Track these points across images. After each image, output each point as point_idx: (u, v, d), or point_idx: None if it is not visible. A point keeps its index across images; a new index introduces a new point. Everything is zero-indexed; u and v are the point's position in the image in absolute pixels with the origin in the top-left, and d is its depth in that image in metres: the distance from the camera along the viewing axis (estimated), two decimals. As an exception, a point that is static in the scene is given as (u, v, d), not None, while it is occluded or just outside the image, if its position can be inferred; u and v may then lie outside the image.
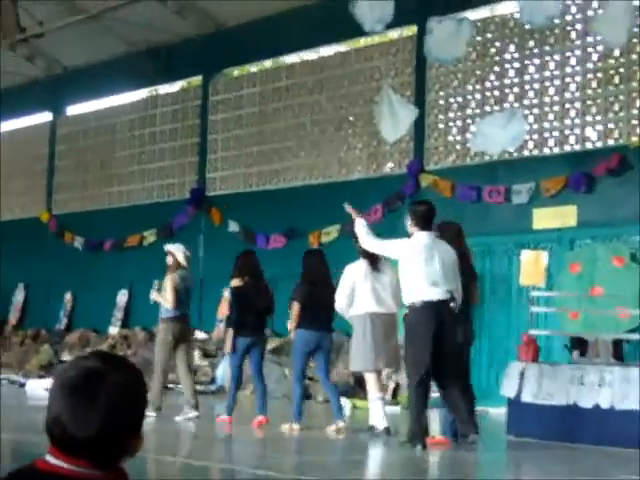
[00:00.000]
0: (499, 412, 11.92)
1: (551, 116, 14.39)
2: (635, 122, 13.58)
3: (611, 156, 13.52)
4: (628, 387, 9.07)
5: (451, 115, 15.50)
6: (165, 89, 20.58)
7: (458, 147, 15.39)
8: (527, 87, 14.67)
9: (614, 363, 9.95)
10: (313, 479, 7.40)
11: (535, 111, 14.52)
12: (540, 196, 14.11)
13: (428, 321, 8.63)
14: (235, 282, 10.89)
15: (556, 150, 14.33)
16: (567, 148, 14.25)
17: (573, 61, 14.23)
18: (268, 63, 18.92)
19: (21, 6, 17.81)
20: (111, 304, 19.86)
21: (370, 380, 9.96)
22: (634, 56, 13.59)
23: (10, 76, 21.97)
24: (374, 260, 9.79)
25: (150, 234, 19.26)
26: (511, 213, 14.41)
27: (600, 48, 13.85)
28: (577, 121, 14.14)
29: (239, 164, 18.41)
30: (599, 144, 13.93)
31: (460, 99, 15.40)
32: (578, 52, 14.19)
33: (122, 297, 19.81)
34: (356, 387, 15.00)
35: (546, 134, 14.43)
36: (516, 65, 14.81)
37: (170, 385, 17.03)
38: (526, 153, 14.55)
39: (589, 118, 14.04)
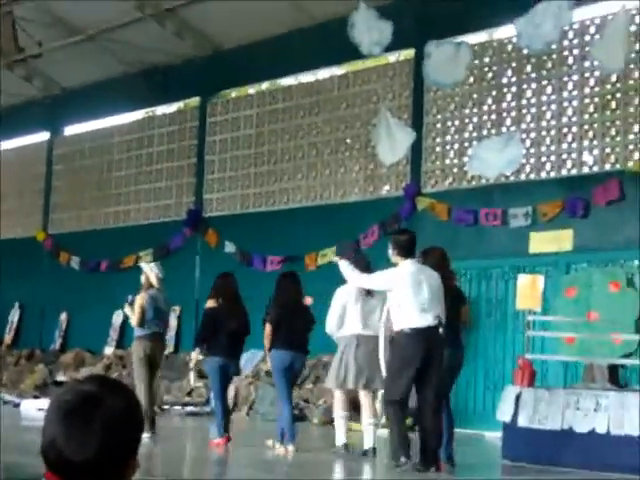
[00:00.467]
0: (494, 436, 11.89)
1: (548, 140, 14.42)
2: (632, 147, 13.61)
3: (608, 181, 13.54)
4: (624, 412, 9.06)
5: (448, 138, 15.53)
6: (162, 110, 20.61)
7: (455, 170, 15.42)
8: (524, 111, 14.71)
9: (610, 388, 9.94)
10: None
11: (532, 135, 14.55)
12: (537, 220, 14.12)
13: (417, 347, 8.76)
14: (210, 303, 11.07)
15: (553, 174, 14.36)
16: (564, 172, 14.28)
17: (570, 86, 14.27)
18: (265, 85, 18.97)
19: (19, 26, 17.87)
20: (106, 324, 19.82)
21: (337, 397, 10.29)
22: (631, 81, 13.64)
23: (8, 96, 22.01)
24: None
25: (146, 254, 19.24)
26: (508, 237, 14.41)
27: (597, 73, 13.89)
28: (574, 145, 14.17)
29: (236, 185, 18.42)
30: (596, 169, 13.95)
31: (457, 122, 15.43)
32: (575, 77, 14.24)
33: (117, 317, 19.76)
34: (351, 410, 14.93)
35: (543, 158, 14.46)
36: (513, 89, 14.85)
37: (165, 406, 16.99)
38: (523, 177, 14.57)
39: (586, 143, 14.07)
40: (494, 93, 15.05)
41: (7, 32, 17.98)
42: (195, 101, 19.57)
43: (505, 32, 14.91)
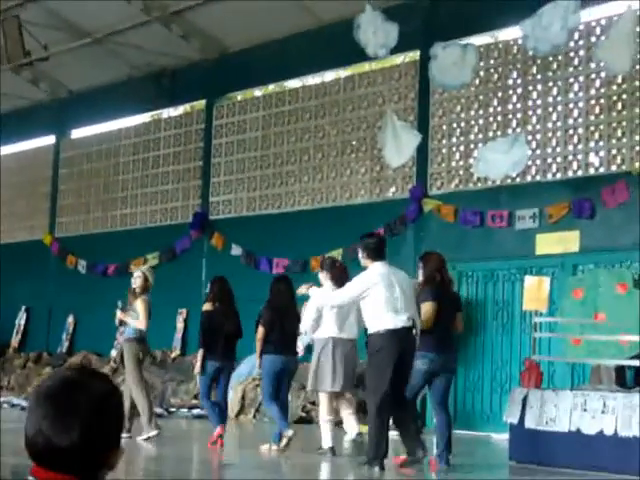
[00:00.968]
0: (501, 438, 11.88)
1: (554, 142, 14.41)
2: (638, 148, 13.59)
3: (614, 182, 13.53)
4: (631, 414, 9.04)
5: (454, 140, 15.52)
6: (169, 113, 20.63)
7: (461, 172, 15.41)
8: (530, 113, 14.70)
9: (617, 389, 9.92)
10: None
11: (538, 137, 14.54)
12: (543, 221, 14.11)
13: (391, 348, 8.83)
14: (207, 306, 11.23)
15: (559, 176, 14.34)
16: (570, 174, 14.26)
17: (576, 87, 14.26)
18: (271, 87, 18.98)
19: (26, 30, 17.89)
20: (113, 327, 19.75)
21: (323, 401, 10.40)
22: (637, 82, 13.62)
23: (14, 99, 22.06)
24: (342, 286, 10.03)
25: (153, 257, 19.26)
26: (514, 238, 14.40)
27: (603, 74, 13.88)
28: (580, 147, 14.16)
29: (242, 188, 18.43)
30: (602, 170, 13.94)
31: (463, 124, 15.43)
32: (581, 78, 14.23)
33: (124, 320, 19.75)
34: (358, 412, 14.93)
35: (549, 160, 14.45)
36: (519, 91, 14.84)
37: (172, 409, 16.99)
38: (529, 179, 14.56)
39: (592, 144, 14.06)
40: (500, 95, 15.04)
41: (14, 36, 18.01)
42: (201, 104, 19.59)
43: (511, 34, 14.91)
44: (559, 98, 14.40)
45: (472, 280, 15.14)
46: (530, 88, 14.72)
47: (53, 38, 18.69)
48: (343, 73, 17.56)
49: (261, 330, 10.67)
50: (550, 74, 14.49)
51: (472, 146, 15.27)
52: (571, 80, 14.31)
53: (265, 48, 17.79)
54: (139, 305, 11.69)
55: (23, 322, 22.19)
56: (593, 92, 14.11)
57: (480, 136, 15.18)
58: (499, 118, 15.03)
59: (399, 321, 8.88)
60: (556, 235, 13.97)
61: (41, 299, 21.56)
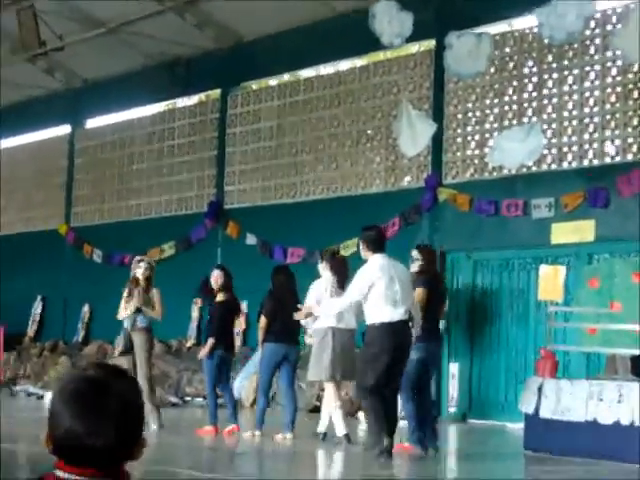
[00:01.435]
0: (517, 427, 11.88)
1: (570, 131, 14.36)
2: (654, 137, 13.53)
3: (630, 171, 13.48)
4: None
5: (469, 129, 15.49)
6: (183, 102, 20.64)
7: (476, 161, 15.37)
8: (546, 102, 14.65)
9: (633, 379, 9.90)
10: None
11: (554, 126, 14.49)
12: (559, 211, 14.07)
13: (387, 341, 8.90)
14: (221, 297, 11.37)
15: (575, 165, 14.30)
16: (586, 163, 14.21)
17: (592, 76, 14.20)
18: (286, 77, 18.96)
19: (41, 20, 17.93)
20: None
21: (329, 390, 10.53)
22: (653, 71, 13.56)
23: (30, 89, 22.10)
24: (341, 278, 10.18)
25: (169, 247, 19.31)
26: (529, 227, 14.37)
27: (619, 63, 13.81)
28: (596, 136, 14.10)
29: (257, 177, 18.43)
30: (618, 159, 13.88)
31: (478, 113, 15.38)
32: (597, 67, 14.16)
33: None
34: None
35: (565, 149, 14.40)
36: (534, 79, 14.79)
37: (187, 398, 17.05)
38: (544, 167, 14.52)
39: (608, 133, 14.00)
40: (515, 83, 14.99)
41: (29, 26, 18.05)
42: (216, 93, 19.58)
43: (526, 22, 14.85)
44: (575, 87, 14.34)
45: (487, 269, 15.13)
46: (545, 77, 14.67)
47: (68, 28, 18.71)
48: (358, 62, 17.53)
49: (263, 320, 10.86)
50: (566, 62, 14.43)
51: (487, 135, 15.23)
52: (587, 68, 14.25)
53: (280, 37, 17.77)
54: (156, 295, 11.68)
55: (39, 311, 22.27)
56: (609, 80, 14.05)
57: (495, 125, 15.14)
58: (514, 107, 14.98)
59: (396, 314, 8.98)
60: (571, 224, 13.92)
61: (57, 288, 21.63)
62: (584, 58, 14.26)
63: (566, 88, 14.43)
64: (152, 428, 11.11)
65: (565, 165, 14.38)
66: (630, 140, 13.79)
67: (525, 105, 14.86)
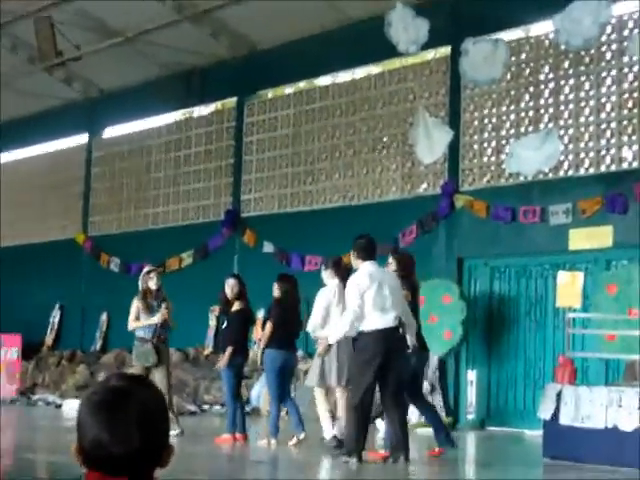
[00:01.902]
0: (535, 434, 11.84)
1: (587, 136, 14.32)
2: (672, 142, 13.48)
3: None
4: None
5: (485, 136, 15.46)
6: (199, 111, 20.68)
7: (493, 168, 15.35)
8: (562, 108, 14.61)
9: (652, 385, 9.84)
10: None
11: (570, 132, 14.45)
12: (576, 217, 14.02)
13: (376, 348, 9.01)
14: (238, 305, 11.46)
15: (592, 171, 14.26)
16: (603, 169, 14.17)
17: (609, 81, 14.16)
18: (302, 84, 18.98)
19: (58, 30, 18.01)
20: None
21: (318, 396, 10.66)
22: (670, 76, 13.51)
23: (47, 99, 22.19)
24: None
25: (187, 256, 19.35)
26: (547, 234, 14.33)
27: (636, 68, 13.78)
28: (613, 141, 14.06)
29: (273, 185, 18.45)
30: (635, 164, 13.84)
31: (495, 120, 15.36)
32: (614, 72, 14.13)
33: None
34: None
35: (582, 155, 14.36)
36: (551, 86, 14.76)
37: (205, 406, 17.06)
38: (561, 174, 14.48)
39: (625, 138, 13.96)
40: (531, 90, 14.97)
41: (46, 36, 18.14)
42: (232, 102, 19.62)
43: (542, 28, 14.83)
44: (591, 92, 14.31)
45: (505, 276, 15.09)
46: (562, 83, 14.64)
47: (85, 38, 18.80)
48: (374, 70, 17.53)
49: (270, 326, 10.94)
50: (582, 68, 14.40)
51: (504, 142, 15.20)
52: (603, 74, 14.22)
53: (295, 45, 17.79)
54: (170, 308, 11.90)
55: (57, 320, 22.33)
56: (626, 86, 14.01)
57: (512, 131, 15.12)
58: (531, 113, 14.96)
59: (386, 321, 9.10)
60: (589, 230, 13.88)
61: (74, 297, 21.69)
62: (601, 64, 14.23)
63: (583, 94, 14.40)
64: (174, 434, 11.23)
65: (582, 171, 14.34)
66: (647, 145, 13.74)
67: (542, 111, 14.84)
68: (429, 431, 13.70)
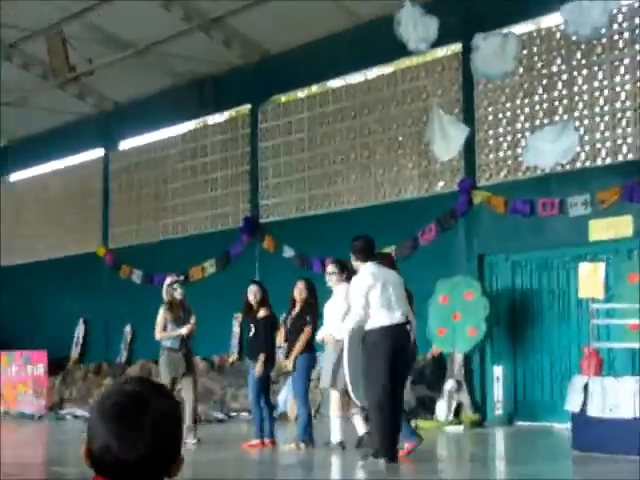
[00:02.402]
0: (563, 427, 11.80)
1: (602, 126, 14.26)
2: (688, 128, 13.41)
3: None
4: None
5: (501, 130, 15.43)
6: (214, 119, 20.72)
7: (509, 162, 15.31)
8: (577, 99, 14.56)
9: (679, 373, 9.80)
10: None
11: (586, 122, 14.40)
12: (595, 207, 13.97)
13: (386, 344, 9.08)
14: (265, 312, 11.56)
15: (609, 160, 14.20)
16: (620, 158, 14.11)
17: (622, 70, 14.11)
18: (315, 88, 18.99)
19: (70, 45, 18.08)
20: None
21: (335, 398, 10.67)
22: (684, 61, 13.44)
23: (62, 115, 22.29)
24: None
25: (210, 265, 19.39)
26: (566, 226, 14.28)
27: (649, 55, 13.72)
28: (629, 130, 14.00)
29: (290, 190, 18.46)
30: (653, 152, 13.78)
31: (509, 114, 15.32)
32: (627, 61, 14.07)
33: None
34: (419, 407, 14.92)
35: (598, 145, 14.31)
36: (564, 77, 14.71)
37: (232, 414, 17.08)
38: (579, 165, 14.43)
39: (641, 126, 13.89)
40: (545, 82, 14.92)
41: (58, 51, 18.21)
42: (246, 108, 19.65)
43: (553, 20, 14.78)
44: (605, 82, 14.26)
45: (526, 270, 15.04)
46: (575, 74, 14.59)
47: (96, 51, 18.88)
48: (386, 70, 17.52)
49: (309, 331, 10.97)
50: (595, 58, 14.35)
51: (519, 135, 15.16)
52: (616, 63, 14.16)
53: (306, 49, 17.81)
54: (194, 319, 12.13)
55: (82, 334, 22.41)
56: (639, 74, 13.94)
57: (527, 125, 15.08)
58: (545, 106, 14.91)
59: (393, 318, 9.18)
60: (609, 220, 13.82)
61: (98, 310, 21.76)
62: (613, 53, 14.17)
63: (596, 84, 14.34)
64: (188, 443, 11.34)
65: (599, 161, 14.28)
66: (664, 133, 13.68)
67: (556, 103, 14.79)
68: (459, 428, 13.70)
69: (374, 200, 17.07)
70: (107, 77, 20.08)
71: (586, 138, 14.33)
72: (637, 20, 13.88)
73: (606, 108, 14.23)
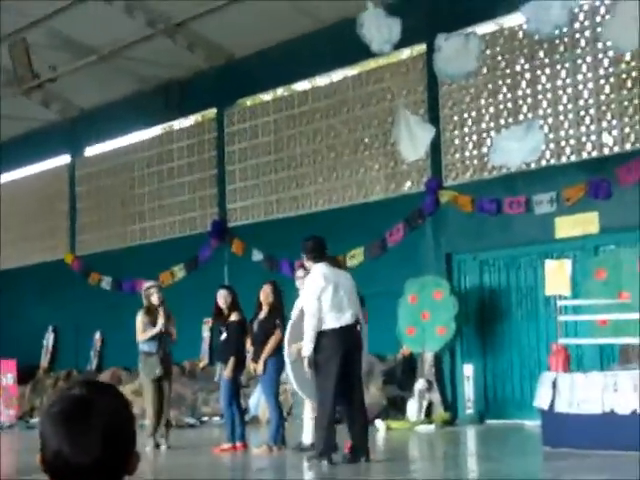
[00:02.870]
0: (534, 424, 11.85)
1: (566, 124, 14.37)
2: (651, 124, 13.53)
3: (630, 160, 13.48)
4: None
5: (466, 130, 15.50)
6: (180, 124, 20.69)
7: (475, 161, 15.39)
8: (540, 97, 14.66)
9: (647, 367, 9.86)
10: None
11: (550, 121, 14.50)
12: (561, 205, 14.07)
13: (335, 347, 9.14)
14: (236, 316, 11.54)
15: (574, 158, 14.30)
16: (585, 155, 14.21)
17: (584, 68, 14.21)
18: (280, 91, 18.99)
19: (33, 52, 17.98)
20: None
21: (307, 400, 10.61)
22: (645, 59, 13.56)
23: (27, 122, 22.16)
24: None
25: (179, 269, 19.34)
26: (533, 224, 14.37)
27: (611, 53, 13.83)
28: (593, 128, 14.11)
29: (258, 193, 18.45)
30: (617, 149, 13.89)
31: (474, 114, 15.40)
32: (589, 59, 14.18)
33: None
34: (389, 408, 14.97)
35: (563, 143, 14.40)
36: (527, 76, 14.81)
37: (204, 418, 17.05)
38: (544, 163, 14.52)
39: (605, 124, 14.00)
40: (508, 81, 15.01)
41: (22, 59, 18.10)
42: (212, 112, 19.63)
43: (515, 20, 14.87)
44: (568, 80, 14.36)
45: (494, 268, 15.12)
46: (538, 73, 14.68)
47: (60, 58, 18.79)
48: (350, 72, 17.56)
49: (279, 334, 10.90)
50: (557, 57, 14.45)
51: (484, 135, 15.25)
52: (579, 61, 14.27)
53: (271, 52, 17.81)
54: (172, 320, 12.22)
55: (51, 342, 22.29)
56: (602, 72, 14.06)
57: (492, 124, 15.16)
58: (509, 105, 15.00)
59: (343, 319, 9.22)
60: (575, 218, 13.92)
61: (67, 318, 21.64)
62: (575, 51, 14.28)
63: (560, 82, 14.44)
64: (162, 448, 11.37)
65: (564, 159, 14.38)
66: (627, 130, 13.80)
67: (520, 102, 14.88)
68: (430, 428, 13.74)
69: (342, 202, 17.10)
70: (72, 83, 19.99)
71: (551, 136, 14.43)
72: (598, 18, 13.99)
73: (570, 106, 14.33)
